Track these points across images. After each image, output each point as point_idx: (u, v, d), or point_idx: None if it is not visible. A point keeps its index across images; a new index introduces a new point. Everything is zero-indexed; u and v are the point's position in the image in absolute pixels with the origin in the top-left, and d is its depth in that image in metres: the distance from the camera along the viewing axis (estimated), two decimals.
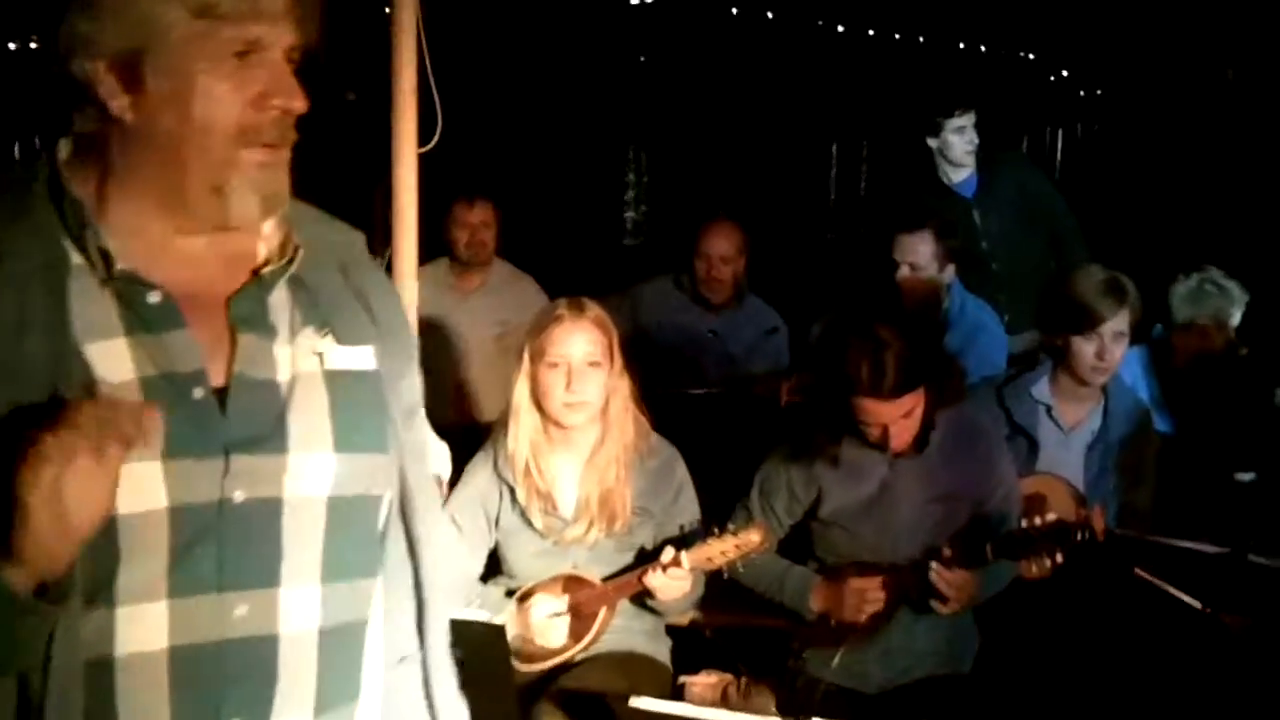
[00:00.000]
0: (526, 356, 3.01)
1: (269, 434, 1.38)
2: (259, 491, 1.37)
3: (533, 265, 5.37)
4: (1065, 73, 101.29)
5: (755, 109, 39.50)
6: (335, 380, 1.45)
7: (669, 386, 4.49)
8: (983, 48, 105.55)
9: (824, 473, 3.16)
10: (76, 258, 1.34)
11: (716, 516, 3.25)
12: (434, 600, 1.58)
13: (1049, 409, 3.56)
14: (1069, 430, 3.56)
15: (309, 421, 1.41)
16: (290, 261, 1.44)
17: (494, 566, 3.21)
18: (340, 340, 1.46)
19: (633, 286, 5.08)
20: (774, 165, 25.26)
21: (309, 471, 1.40)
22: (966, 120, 5.13)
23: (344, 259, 1.53)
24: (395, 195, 3.40)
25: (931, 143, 5.19)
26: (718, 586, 3.11)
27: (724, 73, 58.17)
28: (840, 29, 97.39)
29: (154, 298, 1.35)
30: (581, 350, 2.95)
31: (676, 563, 2.87)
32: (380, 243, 5.90)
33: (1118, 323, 3.41)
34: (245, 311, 1.41)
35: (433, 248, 5.06)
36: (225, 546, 1.35)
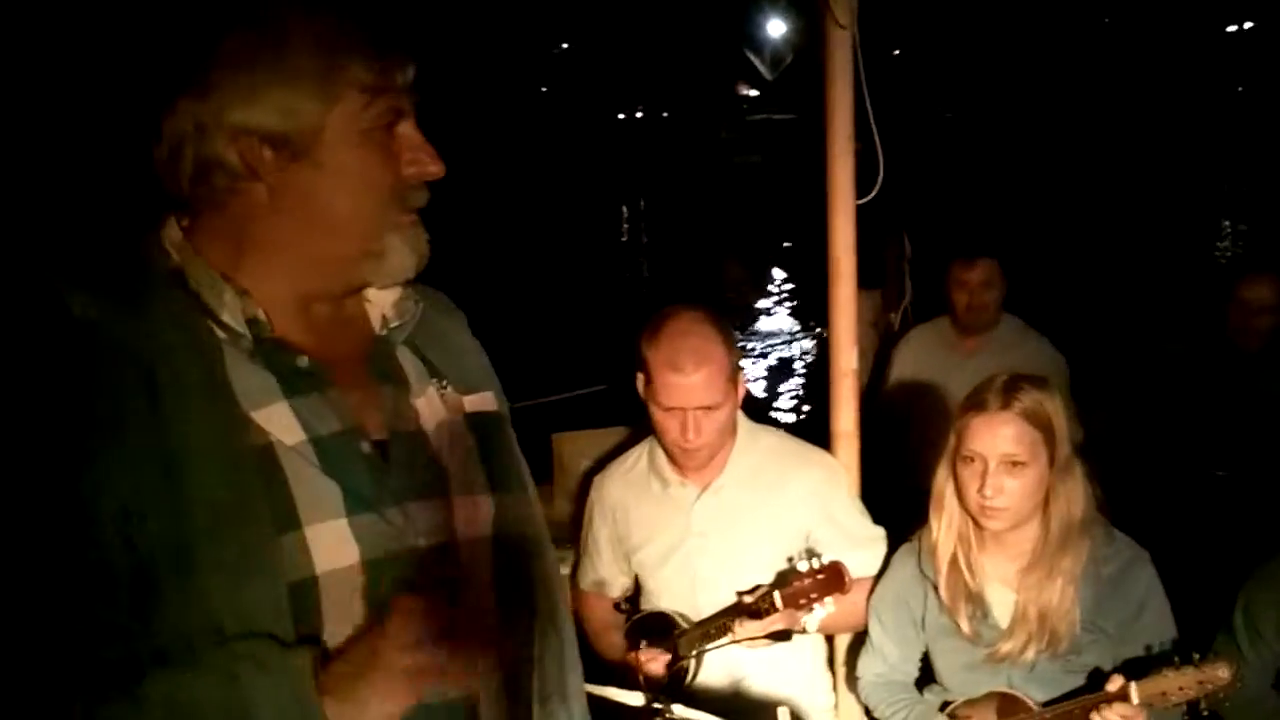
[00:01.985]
0: (951, 439, 2.60)
1: (431, 481, 1.43)
2: (435, 538, 1.41)
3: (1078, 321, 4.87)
4: None
5: None
6: (476, 424, 1.52)
7: (1180, 465, 3.92)
8: None
9: None
10: (219, 331, 1.36)
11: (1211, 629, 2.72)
12: (569, 641, 1.59)
13: None
14: None
15: (463, 466, 1.47)
16: (411, 319, 1.51)
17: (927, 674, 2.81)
18: (458, 389, 1.52)
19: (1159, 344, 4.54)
20: None
21: (473, 514, 1.46)
22: None
23: (440, 314, 1.59)
24: (831, 250, 3.15)
25: None
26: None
27: None
28: None
29: (303, 362, 1.40)
30: (999, 448, 2.46)
31: (1124, 696, 2.34)
32: (892, 299, 5.71)
33: None
34: (383, 367, 1.48)
35: (934, 303, 4.75)
36: None
